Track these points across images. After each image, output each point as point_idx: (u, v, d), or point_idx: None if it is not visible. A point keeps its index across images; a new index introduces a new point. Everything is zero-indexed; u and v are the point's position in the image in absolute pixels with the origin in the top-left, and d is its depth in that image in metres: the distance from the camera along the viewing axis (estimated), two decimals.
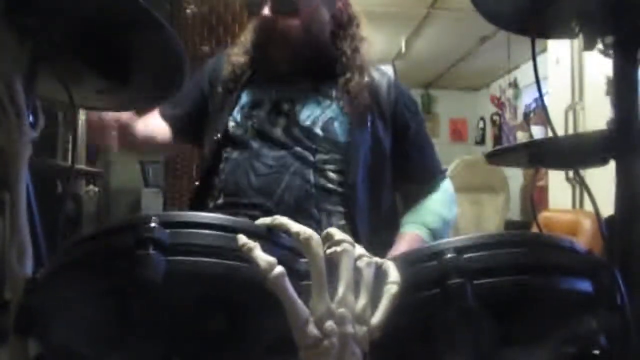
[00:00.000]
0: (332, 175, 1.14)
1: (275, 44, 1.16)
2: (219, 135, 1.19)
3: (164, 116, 1.31)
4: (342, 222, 1.12)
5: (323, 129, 1.16)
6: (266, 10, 1.14)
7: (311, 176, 1.12)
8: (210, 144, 1.22)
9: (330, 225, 1.08)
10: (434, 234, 1.20)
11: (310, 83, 1.21)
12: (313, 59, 1.19)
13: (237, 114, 1.21)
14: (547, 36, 0.85)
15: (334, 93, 1.21)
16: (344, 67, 1.21)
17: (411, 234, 1.20)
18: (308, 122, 1.17)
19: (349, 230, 1.09)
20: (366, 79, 1.20)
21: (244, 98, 1.22)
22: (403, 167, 1.26)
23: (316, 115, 1.18)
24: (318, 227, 1.08)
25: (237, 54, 1.26)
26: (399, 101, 1.26)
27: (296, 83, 1.21)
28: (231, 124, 1.20)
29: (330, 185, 1.13)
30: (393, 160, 1.24)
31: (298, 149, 1.14)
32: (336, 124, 1.17)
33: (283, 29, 1.15)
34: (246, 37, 1.26)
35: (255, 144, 1.16)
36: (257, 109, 1.20)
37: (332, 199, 1.12)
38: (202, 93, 1.30)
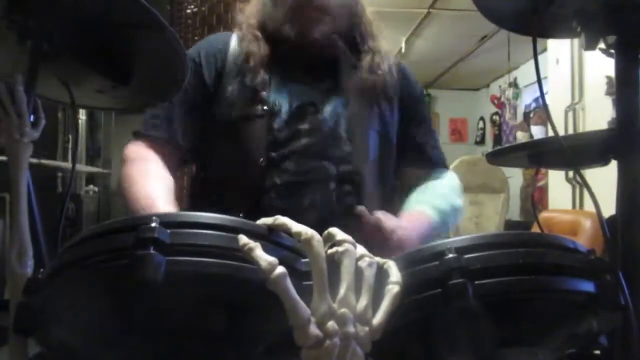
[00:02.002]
0: (350, 188, 1.09)
1: (316, 17, 1.07)
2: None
3: (176, 144, 1.17)
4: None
5: (346, 130, 1.10)
6: None
7: (333, 194, 1.06)
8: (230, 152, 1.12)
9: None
10: (443, 217, 1.13)
11: (330, 79, 1.13)
12: (344, 39, 1.13)
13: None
14: (549, 36, 0.85)
15: (346, 83, 1.13)
16: (361, 50, 1.16)
17: (419, 211, 1.10)
18: (331, 125, 1.10)
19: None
20: (381, 62, 1.16)
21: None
22: (405, 150, 1.21)
23: (338, 113, 1.11)
24: None
25: (257, 54, 1.11)
26: (404, 83, 1.22)
27: (316, 81, 1.13)
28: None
29: (348, 200, 1.07)
30: (397, 144, 1.20)
31: (322, 162, 1.08)
32: (355, 120, 1.11)
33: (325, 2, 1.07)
34: (252, 24, 1.15)
35: (275, 155, 1.07)
36: (278, 115, 1.09)
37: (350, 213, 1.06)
38: (202, 94, 1.16)
